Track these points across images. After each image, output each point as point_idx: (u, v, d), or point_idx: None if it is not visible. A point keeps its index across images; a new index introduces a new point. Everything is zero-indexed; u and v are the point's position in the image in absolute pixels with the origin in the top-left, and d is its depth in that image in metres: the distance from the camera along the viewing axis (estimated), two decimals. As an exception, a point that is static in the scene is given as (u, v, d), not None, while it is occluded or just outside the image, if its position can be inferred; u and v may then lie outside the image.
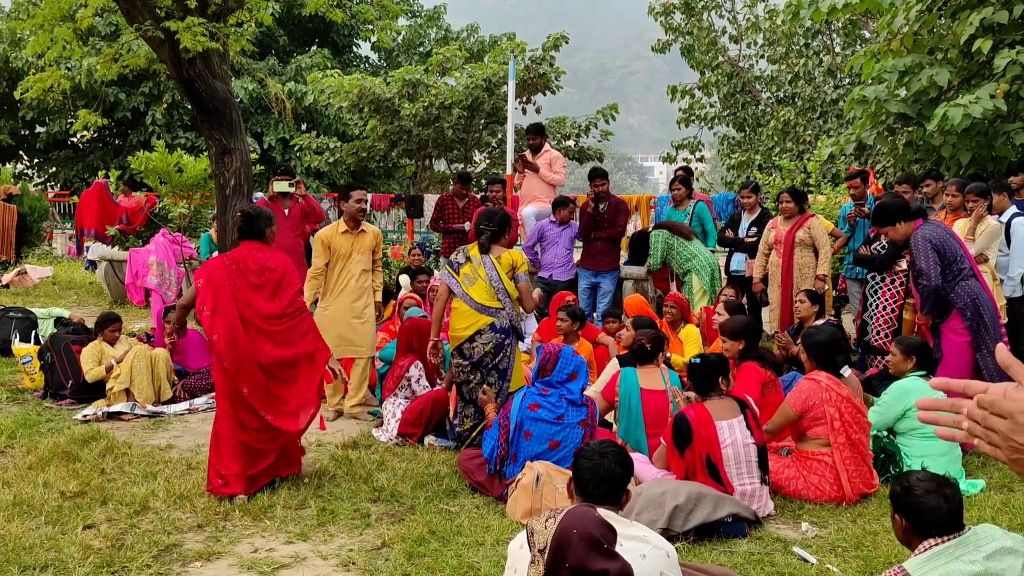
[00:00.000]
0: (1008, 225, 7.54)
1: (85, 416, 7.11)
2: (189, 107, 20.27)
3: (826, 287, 8.18)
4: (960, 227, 7.43)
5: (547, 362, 5.37)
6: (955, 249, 6.19)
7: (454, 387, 6.33)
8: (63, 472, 5.51)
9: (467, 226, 10.10)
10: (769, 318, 8.78)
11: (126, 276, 11.98)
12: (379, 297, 7.32)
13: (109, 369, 7.51)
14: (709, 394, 5.01)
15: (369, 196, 7.05)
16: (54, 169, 26.58)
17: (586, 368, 5.37)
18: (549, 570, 2.79)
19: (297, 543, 4.51)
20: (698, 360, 5.03)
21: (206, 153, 9.63)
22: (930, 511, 3.09)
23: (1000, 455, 1.44)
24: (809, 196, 10.59)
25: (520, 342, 6.34)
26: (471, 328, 5.96)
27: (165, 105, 23.41)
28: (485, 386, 5.98)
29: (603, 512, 2.98)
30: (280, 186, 8.56)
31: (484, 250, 6.13)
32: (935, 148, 9.13)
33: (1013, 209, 7.72)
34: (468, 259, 6.11)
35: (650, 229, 9.67)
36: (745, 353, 6.02)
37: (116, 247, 13.16)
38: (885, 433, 5.56)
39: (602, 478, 3.15)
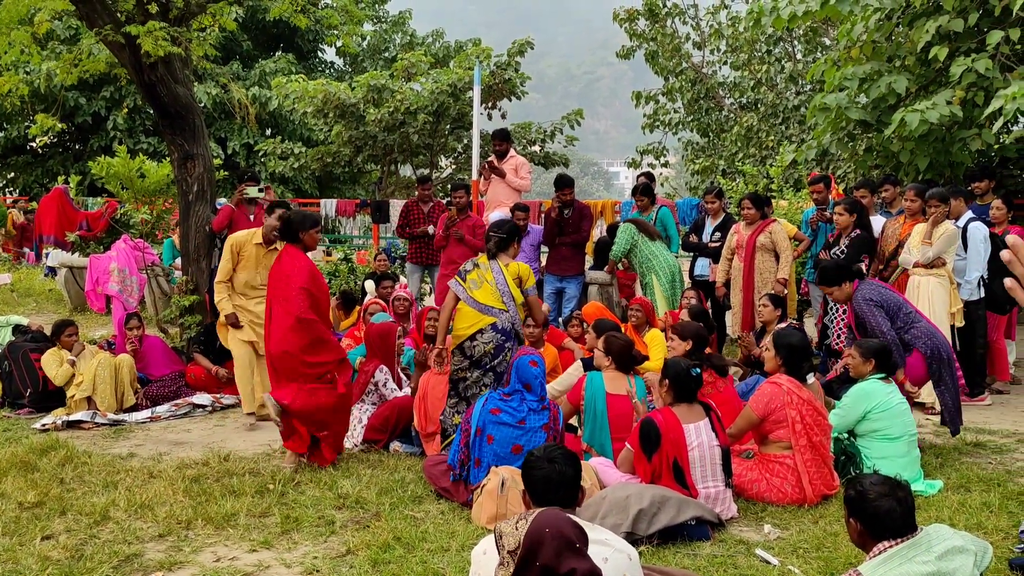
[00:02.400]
0: (964, 230, 7.68)
1: (44, 425, 7.01)
2: (151, 112, 20.04)
3: (786, 291, 8.28)
4: (918, 231, 7.55)
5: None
6: (895, 300, 6.35)
7: (424, 392, 6.33)
8: (21, 482, 5.43)
9: (431, 229, 10.08)
10: (731, 322, 8.86)
11: (86, 283, 11.80)
12: None
13: (72, 364, 7.42)
14: (678, 401, 5.04)
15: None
16: (12, 174, 26.13)
17: (539, 382, 5.35)
18: (519, 569, 2.80)
19: (261, 551, 4.48)
20: (697, 372, 5.06)
21: (168, 159, 9.53)
22: (885, 514, 3.13)
23: None
24: (773, 201, 10.70)
25: (520, 346, 6.38)
26: (473, 327, 6.07)
27: (126, 110, 23.10)
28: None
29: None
30: (251, 191, 8.53)
31: (491, 256, 6.30)
32: (894, 154, 9.27)
33: (969, 214, 7.86)
34: (476, 266, 6.28)
35: (620, 221, 9.69)
36: (688, 357, 6.07)
37: (76, 253, 12.97)
38: (846, 435, 5.63)
39: (556, 483, 3.17)
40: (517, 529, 2.90)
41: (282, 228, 6.14)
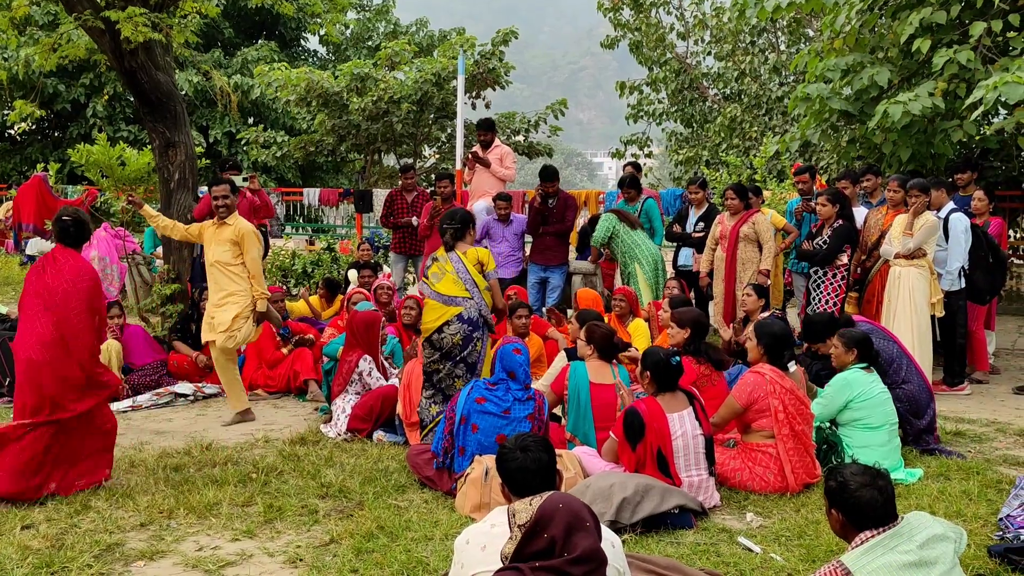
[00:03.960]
0: (946, 221, 7.73)
1: (24, 414, 6.94)
2: (131, 99, 19.85)
3: (770, 281, 8.31)
4: (899, 222, 7.59)
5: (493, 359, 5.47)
6: (889, 352, 6.21)
7: (409, 381, 6.33)
8: (0, 472, 5.37)
9: (415, 220, 10.05)
10: (714, 312, 8.90)
11: (66, 271, 11.68)
12: (259, 305, 6.82)
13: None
14: (660, 390, 5.05)
15: (228, 189, 6.97)
16: (-10, 162, 25.87)
17: (523, 369, 5.35)
18: (526, 537, 2.80)
19: (243, 540, 4.46)
20: (676, 361, 5.07)
21: (149, 146, 9.45)
22: (866, 505, 3.15)
23: None
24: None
25: (491, 334, 6.38)
26: (439, 320, 6.10)
27: (106, 97, 22.89)
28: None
29: None
30: (234, 180, 8.47)
31: (449, 248, 6.29)
32: (877, 145, 9.31)
33: (951, 205, 7.91)
34: (435, 260, 6.28)
35: (601, 212, 9.65)
36: (687, 345, 6.08)
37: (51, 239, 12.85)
38: (827, 424, 5.67)
39: (534, 471, 3.17)
40: (531, 505, 2.92)
41: (64, 232, 5.27)
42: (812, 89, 9.37)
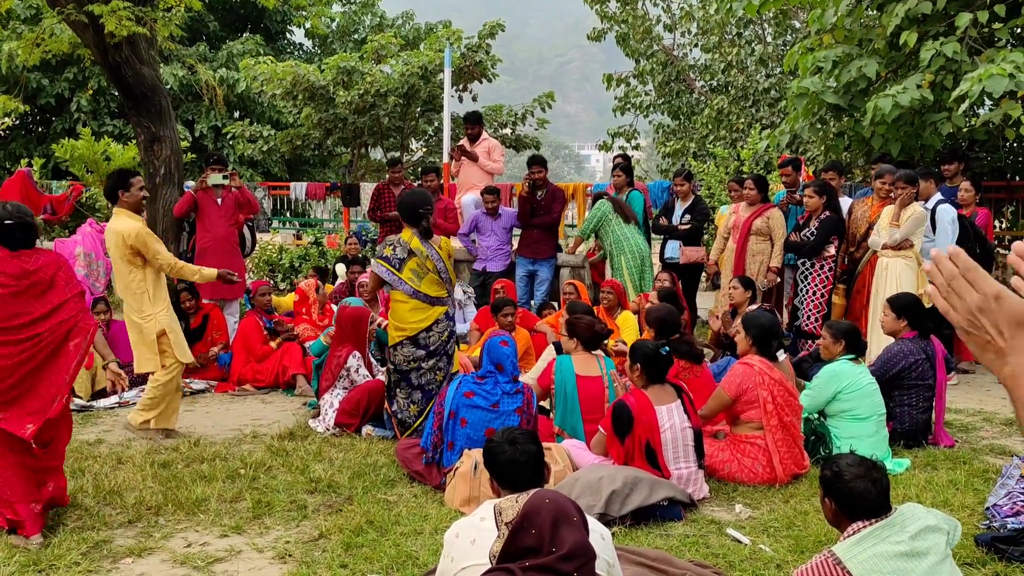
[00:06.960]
0: (933, 211, 7.75)
1: (9, 412, 6.89)
2: (116, 94, 19.72)
3: (778, 279, 8.29)
4: (887, 213, 7.62)
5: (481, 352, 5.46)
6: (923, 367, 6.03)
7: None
8: (-14, 469, 5.33)
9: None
10: (719, 302, 8.89)
11: (52, 267, 11.61)
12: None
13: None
14: (651, 383, 5.05)
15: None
16: (-27, 157, 25.64)
17: (510, 361, 5.34)
18: (513, 534, 2.80)
19: (232, 536, 4.45)
20: (667, 351, 5.07)
21: (134, 141, 9.39)
22: (859, 495, 3.17)
23: (954, 318, 1.44)
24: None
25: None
26: (427, 320, 6.00)
27: (90, 91, 22.73)
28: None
29: None
30: (215, 179, 8.41)
31: (428, 235, 6.08)
32: (866, 139, 9.33)
33: (938, 196, 7.94)
34: (411, 253, 6.01)
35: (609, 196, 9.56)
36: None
37: (41, 237, 12.79)
38: (816, 416, 5.69)
39: (524, 463, 3.16)
40: (517, 502, 2.92)
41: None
42: (808, 83, 9.37)
